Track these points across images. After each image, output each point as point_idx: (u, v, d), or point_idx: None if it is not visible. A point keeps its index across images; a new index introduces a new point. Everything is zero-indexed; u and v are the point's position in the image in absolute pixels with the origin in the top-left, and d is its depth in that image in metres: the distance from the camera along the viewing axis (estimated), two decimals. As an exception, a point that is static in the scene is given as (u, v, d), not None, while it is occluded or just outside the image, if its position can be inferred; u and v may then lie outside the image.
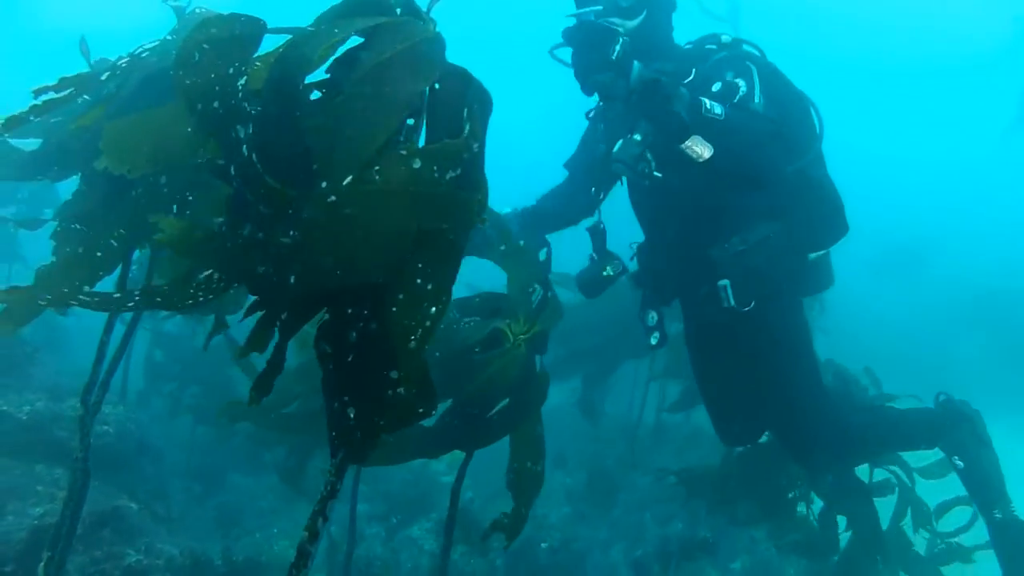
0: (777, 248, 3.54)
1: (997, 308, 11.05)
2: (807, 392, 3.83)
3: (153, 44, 2.56)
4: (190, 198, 2.37)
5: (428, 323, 1.72)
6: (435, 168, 1.76)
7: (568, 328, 4.66)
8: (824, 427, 3.84)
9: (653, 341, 3.82)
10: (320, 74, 1.90)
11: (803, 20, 21.25)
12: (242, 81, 1.76)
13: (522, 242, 3.09)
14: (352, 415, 1.68)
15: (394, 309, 1.72)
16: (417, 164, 1.74)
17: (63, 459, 3.73)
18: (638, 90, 3.06)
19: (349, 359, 1.70)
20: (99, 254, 2.40)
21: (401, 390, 1.70)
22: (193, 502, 5.23)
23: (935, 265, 12.49)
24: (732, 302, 3.48)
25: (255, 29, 1.81)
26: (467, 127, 1.84)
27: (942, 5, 20.57)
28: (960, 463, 4.04)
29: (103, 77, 2.29)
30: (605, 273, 3.87)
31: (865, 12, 21.54)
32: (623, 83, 3.08)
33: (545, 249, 3.50)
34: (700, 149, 3.11)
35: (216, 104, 1.73)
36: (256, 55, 1.90)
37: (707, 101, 3.08)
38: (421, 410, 1.73)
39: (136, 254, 2.50)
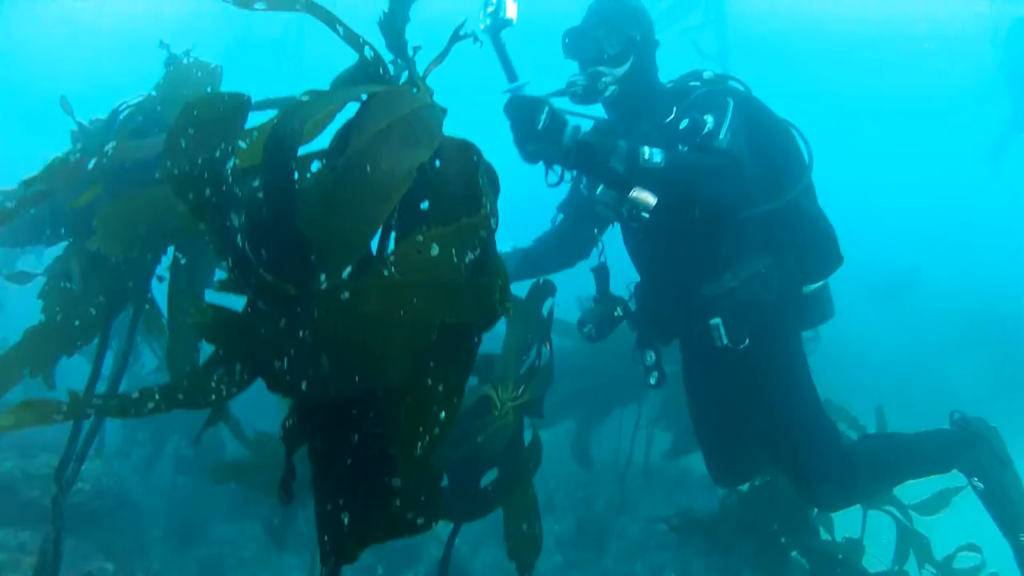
0: (771, 282, 3.53)
1: (988, 331, 11.10)
2: (809, 425, 3.77)
3: (138, 99, 2.58)
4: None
5: (436, 430, 1.63)
6: (454, 253, 1.66)
7: (560, 371, 4.60)
8: (829, 460, 3.77)
9: (652, 380, 3.80)
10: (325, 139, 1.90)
11: (790, 56, 21.55)
12: (231, 163, 1.72)
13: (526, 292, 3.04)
14: (346, 521, 1.59)
15: (401, 412, 1.63)
16: (435, 251, 1.64)
17: (33, 521, 3.68)
18: (572, 154, 3.13)
19: (348, 462, 1.61)
20: (77, 322, 2.41)
21: (399, 501, 1.60)
22: (174, 556, 5.15)
23: (926, 291, 12.56)
24: (725, 340, 3.48)
25: (239, 105, 1.76)
26: (485, 202, 1.77)
27: (924, 41, 20.94)
28: (980, 484, 3.95)
29: (90, 165, 2.26)
30: (616, 314, 3.87)
31: (849, 46, 21.83)
32: (555, 149, 3.14)
33: (551, 302, 3.31)
34: (645, 197, 3.14)
35: (208, 192, 1.67)
36: (250, 126, 1.88)
37: (646, 151, 3.11)
38: (421, 522, 1.62)
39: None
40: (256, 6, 1.86)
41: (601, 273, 3.96)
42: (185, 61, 2.73)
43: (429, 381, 1.65)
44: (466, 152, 1.84)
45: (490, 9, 3.23)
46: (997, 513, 3.93)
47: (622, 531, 6.01)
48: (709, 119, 3.36)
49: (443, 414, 1.64)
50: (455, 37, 2.07)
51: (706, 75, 3.79)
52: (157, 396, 1.67)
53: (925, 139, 23.81)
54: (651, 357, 3.82)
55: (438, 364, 1.65)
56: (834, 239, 3.73)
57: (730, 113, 3.38)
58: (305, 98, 1.82)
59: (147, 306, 2.63)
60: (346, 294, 1.60)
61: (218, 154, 1.69)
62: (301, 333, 1.60)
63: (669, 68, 3.97)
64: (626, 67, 3.70)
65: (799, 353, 3.83)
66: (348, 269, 1.68)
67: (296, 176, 1.77)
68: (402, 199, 1.70)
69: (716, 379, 3.89)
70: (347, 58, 2.08)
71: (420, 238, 1.65)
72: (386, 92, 1.86)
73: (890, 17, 19.57)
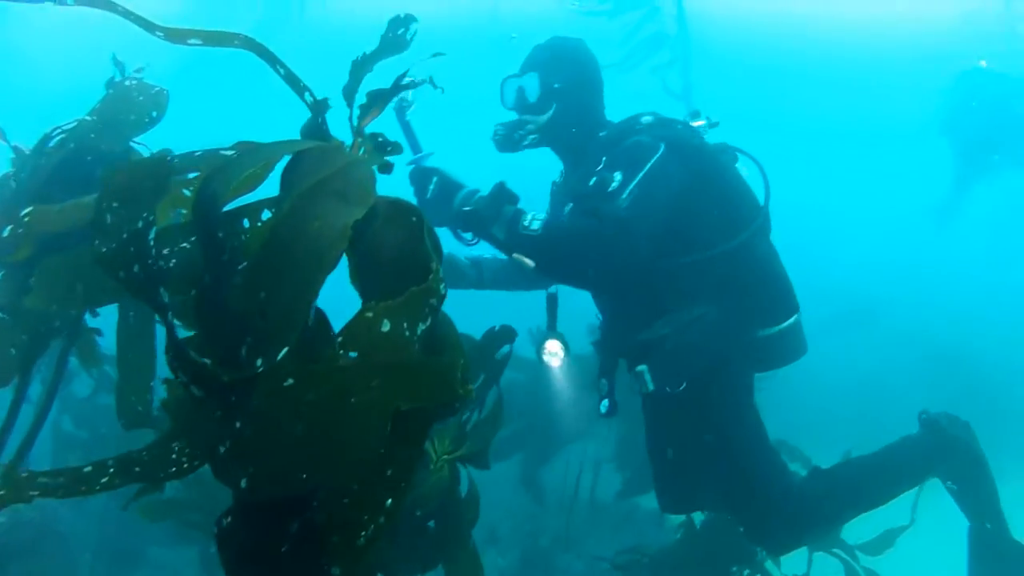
0: (710, 329, 3.54)
1: (949, 359, 11.24)
2: (753, 471, 3.76)
3: (71, 124, 2.50)
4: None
5: (382, 519, 1.51)
6: (406, 327, 1.54)
7: (511, 406, 4.59)
8: (776, 505, 3.76)
9: (603, 409, 3.78)
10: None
11: (751, 88, 21.83)
12: (153, 234, 1.61)
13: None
14: (282, 611, 1.46)
15: (346, 502, 1.51)
16: (386, 327, 1.52)
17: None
18: (459, 221, 3.33)
19: (283, 549, 1.50)
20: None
21: (338, 588, 1.47)
22: (105, 584, 5.02)
23: (888, 319, 12.70)
24: (651, 386, 3.49)
25: (159, 172, 1.65)
26: (432, 267, 1.67)
27: (885, 71, 21.29)
28: (954, 486, 3.91)
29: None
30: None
31: (810, 79, 22.18)
32: (445, 216, 3.35)
33: (507, 348, 3.25)
34: (525, 261, 3.30)
35: (136, 268, 1.56)
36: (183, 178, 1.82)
37: (527, 217, 3.26)
38: (364, 613, 1.48)
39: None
40: (190, 42, 1.81)
41: (552, 302, 4.01)
42: (126, 83, 2.65)
43: (378, 470, 1.54)
44: (404, 213, 1.76)
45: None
46: (968, 505, 3.90)
47: (567, 568, 5.97)
48: (617, 177, 3.42)
49: (390, 501, 1.54)
50: (396, 87, 2.03)
51: (644, 119, 3.80)
52: (112, 469, 1.56)
53: (888, 165, 24.17)
54: (604, 385, 3.79)
55: (388, 451, 1.53)
56: (785, 283, 3.73)
57: (646, 168, 3.41)
58: (231, 152, 1.75)
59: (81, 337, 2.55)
60: (289, 380, 1.47)
61: (141, 225, 1.58)
62: (238, 424, 1.47)
63: (639, 107, 3.97)
64: (547, 115, 3.78)
65: (742, 396, 3.81)
66: (285, 349, 1.52)
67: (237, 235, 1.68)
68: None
69: (663, 417, 3.86)
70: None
71: (370, 313, 1.53)
72: (316, 148, 1.78)
73: (857, 42, 19.87)
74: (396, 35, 2.07)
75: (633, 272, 3.43)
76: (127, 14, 1.72)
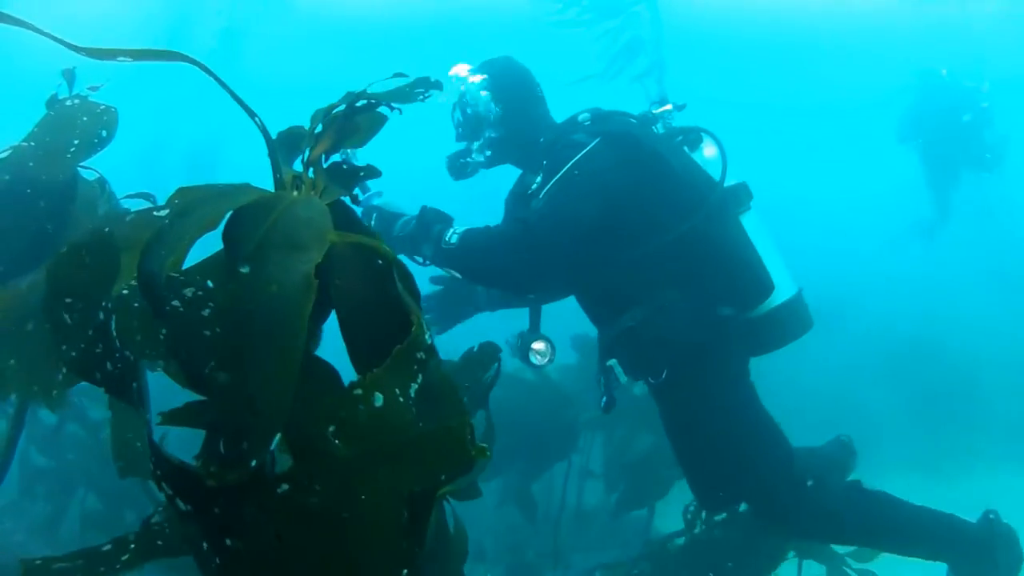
0: (675, 317, 3.46)
1: (915, 363, 11.11)
2: (752, 455, 3.61)
3: (5, 152, 2.23)
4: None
5: None
6: (399, 394, 1.35)
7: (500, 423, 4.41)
8: (780, 489, 3.60)
9: (602, 404, 3.66)
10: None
11: (721, 79, 21.59)
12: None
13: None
14: None
15: None
16: (379, 401, 1.32)
17: None
18: (395, 246, 3.44)
19: None
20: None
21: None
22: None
23: (854, 321, 12.51)
24: (623, 379, 3.50)
25: (109, 252, 1.45)
26: (411, 316, 1.46)
27: (857, 64, 21.06)
28: None
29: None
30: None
31: (781, 74, 21.93)
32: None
33: (495, 367, 2.96)
34: (453, 272, 3.51)
35: (108, 366, 1.37)
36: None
37: (448, 232, 3.39)
38: None
39: None
40: (119, 59, 1.55)
41: (535, 306, 3.99)
42: (67, 103, 2.39)
43: (395, 557, 1.33)
44: (367, 256, 1.52)
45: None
46: None
47: (554, 583, 5.76)
48: (537, 180, 3.55)
49: (405, 572, 1.33)
50: (350, 109, 1.80)
51: (581, 117, 3.74)
52: (133, 546, 1.42)
53: (861, 152, 23.88)
54: (602, 381, 3.67)
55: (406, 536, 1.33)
56: (751, 264, 3.56)
57: (564, 168, 3.42)
58: (164, 213, 1.50)
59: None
60: (284, 486, 1.26)
61: (102, 317, 1.38)
62: (229, 541, 1.25)
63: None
64: (491, 138, 3.81)
65: (733, 382, 3.66)
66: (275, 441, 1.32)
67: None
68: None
69: (666, 410, 3.76)
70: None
71: (359, 391, 1.33)
72: (259, 200, 1.53)
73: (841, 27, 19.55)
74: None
75: (577, 269, 3.52)
76: (46, 34, 1.46)
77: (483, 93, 3.80)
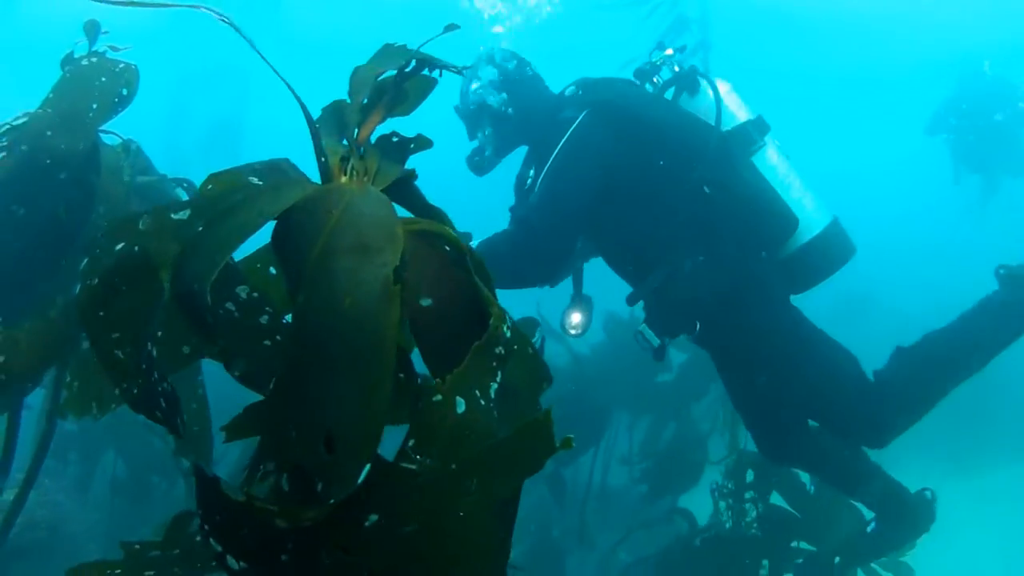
0: (700, 274, 3.31)
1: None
2: (819, 381, 3.38)
3: (21, 119, 1.99)
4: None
5: None
6: (479, 396, 1.18)
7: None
8: (858, 400, 3.37)
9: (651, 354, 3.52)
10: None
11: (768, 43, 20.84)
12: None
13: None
14: None
15: None
16: (462, 407, 1.15)
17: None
18: None
19: None
20: None
21: None
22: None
23: (882, 314, 12.16)
24: (655, 342, 3.37)
25: (146, 274, 1.24)
26: (491, 308, 1.28)
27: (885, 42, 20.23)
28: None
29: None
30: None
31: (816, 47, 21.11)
32: None
33: (539, 337, 2.76)
34: None
35: (163, 403, 1.18)
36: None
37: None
38: None
39: None
40: (137, 4, 1.30)
41: (577, 272, 3.86)
42: (83, 63, 2.14)
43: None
44: (435, 243, 1.31)
45: None
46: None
47: (580, 564, 5.62)
48: (530, 174, 3.41)
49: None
50: (402, 75, 1.53)
51: (568, 91, 3.62)
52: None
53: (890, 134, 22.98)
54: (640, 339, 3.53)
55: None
56: (764, 204, 3.36)
57: (553, 156, 3.28)
58: (187, 215, 1.28)
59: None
60: (373, 517, 1.08)
61: (153, 352, 1.19)
62: None
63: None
64: (490, 132, 3.69)
65: (776, 318, 3.43)
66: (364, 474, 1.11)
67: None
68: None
69: (721, 365, 3.62)
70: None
71: (438, 396, 1.14)
72: (311, 195, 1.29)
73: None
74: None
75: (594, 238, 3.48)
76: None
77: (475, 85, 3.69)
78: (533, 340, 2.53)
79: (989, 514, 7.43)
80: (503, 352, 1.25)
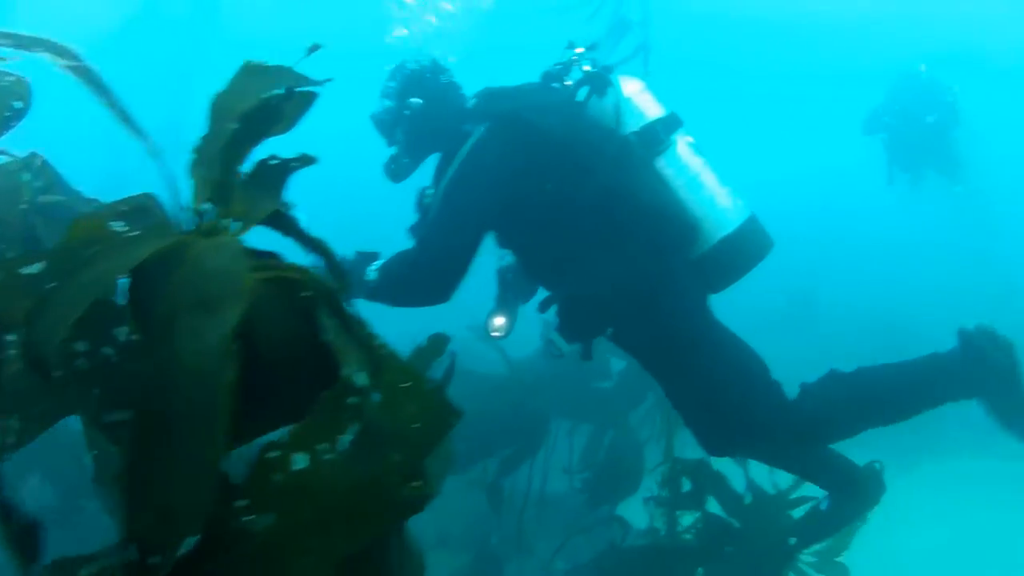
0: (606, 277, 3.29)
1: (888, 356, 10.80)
2: (733, 388, 3.34)
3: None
4: None
5: None
6: (326, 448, 1.14)
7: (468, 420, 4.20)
8: (769, 413, 3.34)
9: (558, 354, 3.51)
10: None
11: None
12: None
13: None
14: None
15: None
16: (302, 462, 1.12)
17: None
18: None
19: None
20: None
21: None
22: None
23: (826, 314, 12.24)
24: (565, 349, 3.37)
25: None
26: (344, 357, 1.22)
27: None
28: (990, 409, 3.29)
29: None
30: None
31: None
32: None
33: (449, 359, 2.58)
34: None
35: None
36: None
37: (370, 269, 3.38)
38: None
39: None
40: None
41: (502, 278, 3.93)
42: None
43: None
44: (289, 291, 1.25)
45: None
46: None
47: (518, 570, 5.55)
48: (429, 192, 3.46)
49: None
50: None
51: (469, 104, 3.61)
52: None
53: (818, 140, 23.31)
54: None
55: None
56: (664, 209, 3.32)
57: (449, 173, 3.29)
58: (52, 281, 1.20)
59: None
60: None
61: None
62: None
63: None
64: (402, 139, 3.69)
65: (689, 318, 3.40)
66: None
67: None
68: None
69: (648, 366, 3.57)
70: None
71: (275, 453, 1.10)
72: (159, 251, 1.22)
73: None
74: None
75: (514, 250, 3.52)
76: None
77: (388, 92, 3.71)
78: (443, 361, 2.47)
79: (928, 506, 7.52)
80: (358, 401, 1.18)
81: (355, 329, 1.33)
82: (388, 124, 3.72)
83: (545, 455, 5.75)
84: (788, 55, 20.82)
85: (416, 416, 1.39)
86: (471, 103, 3.62)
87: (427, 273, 3.31)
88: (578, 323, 3.35)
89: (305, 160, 1.53)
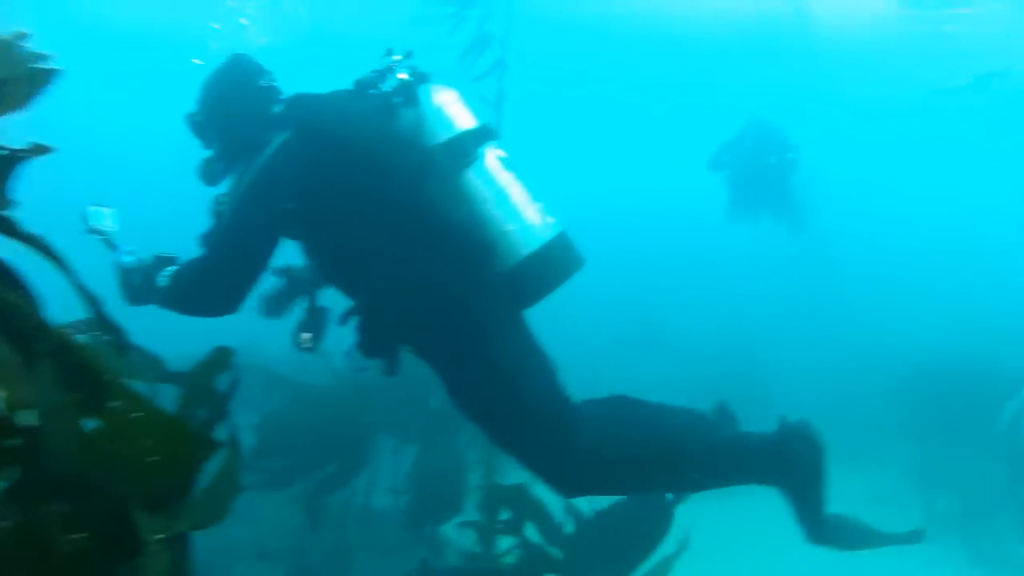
0: (403, 292, 3.17)
1: (736, 376, 10.92)
2: (529, 408, 3.17)
3: None
4: None
5: None
6: None
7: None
8: (565, 439, 3.14)
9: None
10: None
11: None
12: None
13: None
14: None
15: None
16: None
17: None
18: (128, 296, 3.39)
19: None
20: None
21: None
22: None
23: (674, 337, 12.51)
24: (362, 363, 3.28)
25: None
26: None
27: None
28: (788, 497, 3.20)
29: None
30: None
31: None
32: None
33: (234, 376, 2.25)
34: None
35: None
36: None
37: (161, 277, 3.32)
38: None
39: None
40: None
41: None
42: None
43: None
44: None
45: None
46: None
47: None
48: (223, 201, 3.38)
49: None
50: None
51: (274, 110, 3.51)
52: None
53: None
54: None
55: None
56: (463, 225, 3.23)
57: (244, 182, 3.24)
58: None
59: None
60: None
61: None
62: None
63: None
64: (215, 146, 3.60)
65: (491, 337, 3.24)
66: None
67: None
68: None
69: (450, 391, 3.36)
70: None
71: None
72: None
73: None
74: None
75: (313, 262, 3.40)
76: None
77: (201, 94, 3.60)
78: (224, 378, 2.27)
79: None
80: (19, 443, 1.14)
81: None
82: (201, 127, 3.61)
83: (369, 474, 5.63)
84: (652, 71, 21.16)
85: (153, 449, 1.29)
86: (278, 109, 3.49)
87: (212, 282, 3.26)
88: (374, 336, 3.25)
89: (39, 149, 1.39)
